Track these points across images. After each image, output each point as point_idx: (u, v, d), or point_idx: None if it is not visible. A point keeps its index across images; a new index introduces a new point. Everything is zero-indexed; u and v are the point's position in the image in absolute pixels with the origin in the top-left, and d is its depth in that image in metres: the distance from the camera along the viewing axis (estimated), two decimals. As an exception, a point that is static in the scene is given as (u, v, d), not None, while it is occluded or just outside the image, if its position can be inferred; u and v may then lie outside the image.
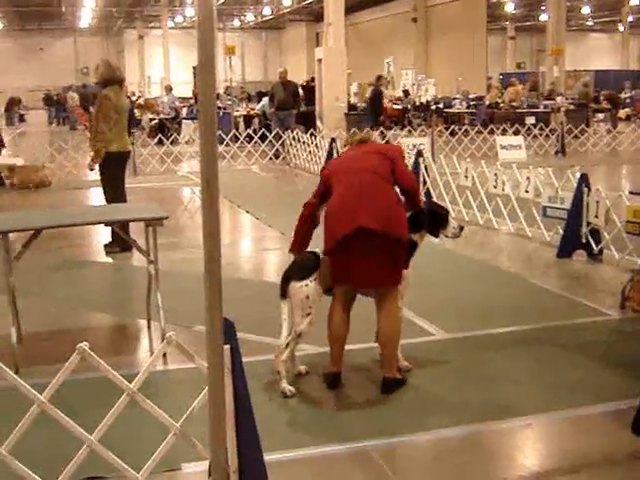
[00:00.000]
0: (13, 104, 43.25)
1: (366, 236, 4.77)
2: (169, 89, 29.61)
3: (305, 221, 5.17)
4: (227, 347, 3.09)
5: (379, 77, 23.80)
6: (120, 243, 8.97)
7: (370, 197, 4.87)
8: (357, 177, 4.93)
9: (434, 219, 5.44)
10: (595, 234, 8.56)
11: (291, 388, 5.00)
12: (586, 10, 47.84)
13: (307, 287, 4.98)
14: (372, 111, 22.84)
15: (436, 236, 5.54)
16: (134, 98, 35.21)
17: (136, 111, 28.67)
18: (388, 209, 4.91)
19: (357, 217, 4.78)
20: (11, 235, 5.49)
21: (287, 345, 5.03)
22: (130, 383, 3.28)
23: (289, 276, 5.05)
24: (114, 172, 9.35)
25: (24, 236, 5.78)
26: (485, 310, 6.86)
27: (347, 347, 5.17)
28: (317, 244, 5.13)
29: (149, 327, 6.43)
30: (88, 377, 4.40)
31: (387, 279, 4.98)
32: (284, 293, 5.06)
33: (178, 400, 4.12)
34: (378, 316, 5.06)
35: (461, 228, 5.63)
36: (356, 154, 5.17)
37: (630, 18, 49.87)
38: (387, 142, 16.49)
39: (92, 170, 9.50)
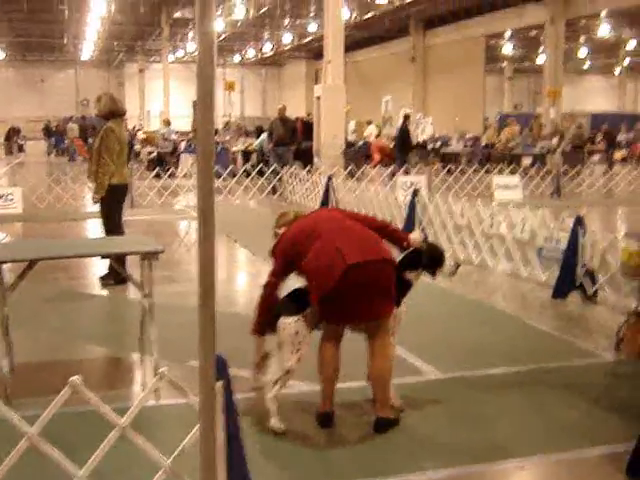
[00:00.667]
0: (13, 134, 43.44)
1: (356, 272, 4.74)
2: (167, 123, 29.75)
3: (267, 301, 5.10)
4: (219, 384, 3.07)
5: (407, 116, 24.61)
6: (115, 275, 8.95)
7: (348, 235, 4.92)
8: (328, 227, 4.96)
9: (431, 257, 5.42)
10: (590, 276, 8.56)
11: (281, 425, 4.96)
12: (583, 52, 48.31)
13: (296, 323, 4.95)
14: (400, 149, 23.84)
15: (434, 275, 5.50)
16: (136, 131, 35.32)
17: (136, 144, 28.77)
18: (368, 238, 4.98)
19: (344, 255, 4.75)
20: (5, 265, 5.49)
21: (276, 382, 5.00)
22: (122, 417, 3.26)
23: (279, 312, 5.03)
24: (113, 204, 9.36)
25: (19, 267, 5.77)
26: (479, 350, 6.84)
27: (340, 385, 5.14)
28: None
29: (142, 361, 6.39)
30: (80, 410, 4.36)
31: (379, 311, 4.95)
32: (273, 329, 5.05)
33: (170, 436, 4.08)
34: (369, 355, 5.02)
35: (457, 265, 5.61)
36: (307, 222, 5.15)
37: (626, 61, 50.35)
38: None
39: (96, 202, 9.47)
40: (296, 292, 5.11)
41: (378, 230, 5.20)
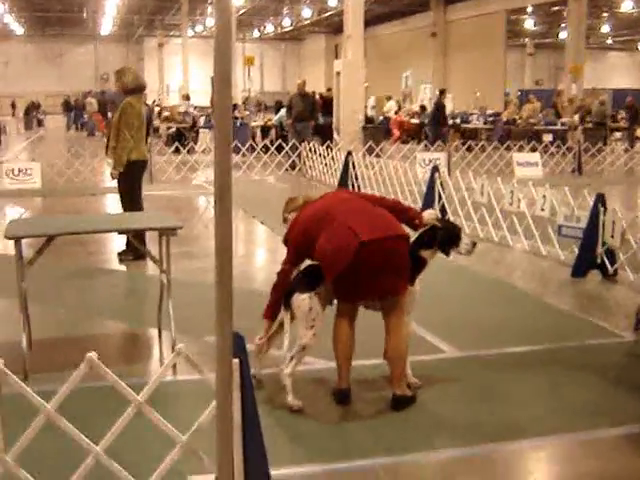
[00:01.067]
0: (32, 109, 43.57)
1: (369, 249, 4.72)
2: (186, 97, 29.72)
3: (281, 288, 5.10)
4: (236, 361, 3.06)
5: (442, 91, 24.51)
6: (134, 251, 8.98)
7: (360, 214, 4.92)
8: (339, 210, 4.95)
9: (446, 236, 5.37)
10: (610, 254, 8.50)
11: (298, 402, 4.97)
12: (606, 28, 47.79)
13: (311, 299, 4.94)
14: (434, 124, 24.15)
15: (447, 254, 5.44)
16: (155, 106, 35.31)
17: (156, 120, 28.76)
18: (381, 215, 4.97)
19: (357, 233, 4.74)
20: (24, 241, 5.50)
21: (292, 358, 5.00)
22: (138, 393, 3.26)
23: (292, 288, 5.03)
24: (132, 180, 9.36)
25: (38, 242, 5.78)
26: (498, 329, 6.81)
27: (357, 362, 5.14)
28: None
29: (160, 337, 6.41)
30: (97, 386, 4.37)
31: (393, 288, 4.93)
32: (287, 305, 5.05)
33: (186, 412, 4.09)
34: (386, 332, 5.01)
35: (474, 244, 5.54)
36: (317, 207, 5.12)
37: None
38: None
39: (114, 178, 9.45)
40: (309, 268, 5.11)
41: (389, 209, 5.17)
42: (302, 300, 4.95)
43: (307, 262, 5.16)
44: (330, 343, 5.05)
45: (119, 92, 9.41)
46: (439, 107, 24.56)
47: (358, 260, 4.71)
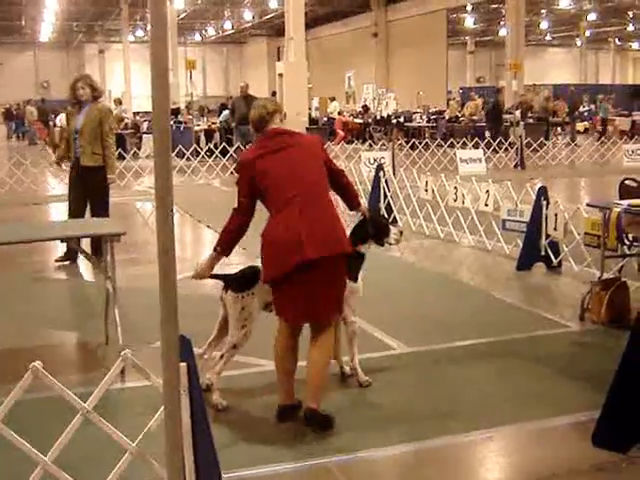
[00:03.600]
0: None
1: (313, 265, 4.51)
2: (119, 102, 29.51)
3: (235, 221, 4.76)
4: (184, 364, 3.04)
5: (499, 90, 26.35)
6: (72, 255, 9.04)
7: (317, 215, 4.62)
8: (299, 187, 4.60)
9: (377, 227, 5.44)
10: (554, 246, 8.62)
11: (222, 401, 4.95)
12: (544, 25, 48.47)
13: (244, 299, 4.92)
14: (494, 120, 24.77)
15: (382, 245, 5.51)
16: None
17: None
18: (333, 228, 4.68)
19: (304, 247, 4.47)
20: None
21: (221, 357, 4.97)
22: (86, 402, 3.22)
23: (227, 285, 5.00)
24: (107, 185, 9.48)
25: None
26: (446, 323, 6.86)
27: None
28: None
29: (107, 344, 6.33)
30: (43, 396, 4.32)
31: (335, 310, 4.80)
32: (221, 299, 5.04)
33: (135, 419, 4.06)
34: (310, 347, 4.74)
35: (401, 233, 5.62)
36: (285, 150, 4.71)
37: (587, 33, 50.57)
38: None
39: (112, 183, 9.63)
40: (250, 269, 5.07)
41: (342, 188, 5.12)
42: (235, 298, 4.92)
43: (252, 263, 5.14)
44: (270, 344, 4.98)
45: (88, 99, 9.26)
46: (496, 105, 25.31)
47: (297, 274, 4.52)
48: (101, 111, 9.26)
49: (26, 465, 3.26)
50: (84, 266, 9.15)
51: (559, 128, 29.19)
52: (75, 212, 9.42)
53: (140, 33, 51.19)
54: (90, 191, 9.38)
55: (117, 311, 5.84)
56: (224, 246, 4.84)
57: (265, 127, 4.82)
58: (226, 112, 23.78)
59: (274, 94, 25.54)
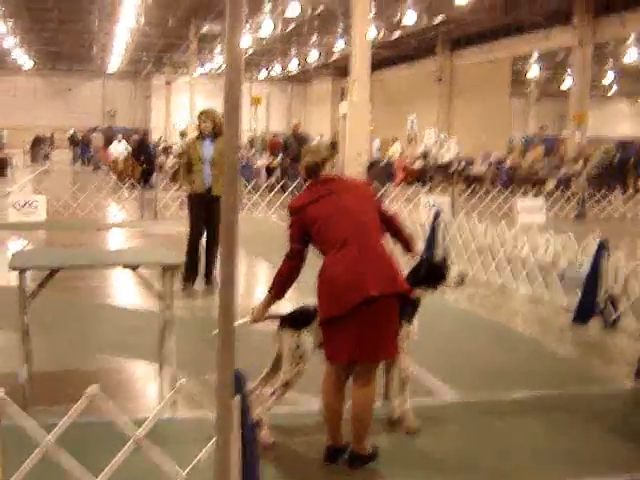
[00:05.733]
0: (39, 142, 43.77)
1: (372, 303, 4.50)
2: (183, 134, 29.99)
3: (287, 265, 4.84)
4: (236, 399, 3.07)
5: (624, 145, 26.28)
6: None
7: (374, 255, 4.62)
8: (354, 228, 4.63)
9: (433, 272, 5.42)
10: (612, 301, 8.49)
11: (270, 438, 4.95)
12: (610, 77, 48.09)
13: (299, 337, 4.93)
14: (618, 174, 24.68)
15: (435, 288, 5.45)
16: (162, 142, 35.54)
17: (160, 156, 28.95)
18: (391, 267, 4.68)
19: (367, 284, 4.49)
20: (28, 274, 5.51)
21: (273, 393, 4.97)
22: (138, 429, 3.26)
23: (283, 322, 5.02)
24: None
25: (41, 275, 5.79)
26: (497, 373, 6.79)
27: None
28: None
29: (161, 373, 6.39)
30: (97, 420, 4.36)
31: (391, 350, 4.78)
32: (277, 337, 5.05)
33: (185, 449, 4.07)
34: (354, 388, 4.72)
35: (462, 277, 5.55)
36: (337, 194, 4.76)
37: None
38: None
39: None
40: (305, 307, 5.09)
41: (391, 225, 5.12)
42: (290, 336, 4.94)
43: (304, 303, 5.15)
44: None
45: (209, 132, 9.77)
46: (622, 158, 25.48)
47: (358, 312, 4.50)
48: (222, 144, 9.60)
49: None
50: (139, 294, 9.23)
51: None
52: (197, 237, 9.96)
53: (207, 67, 52.03)
54: (216, 219, 9.52)
55: (173, 341, 5.89)
56: (278, 289, 4.92)
57: (317, 174, 4.88)
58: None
59: (333, 145, 25.75)
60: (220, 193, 9.70)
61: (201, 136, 9.84)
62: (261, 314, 5.00)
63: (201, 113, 9.95)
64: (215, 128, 9.68)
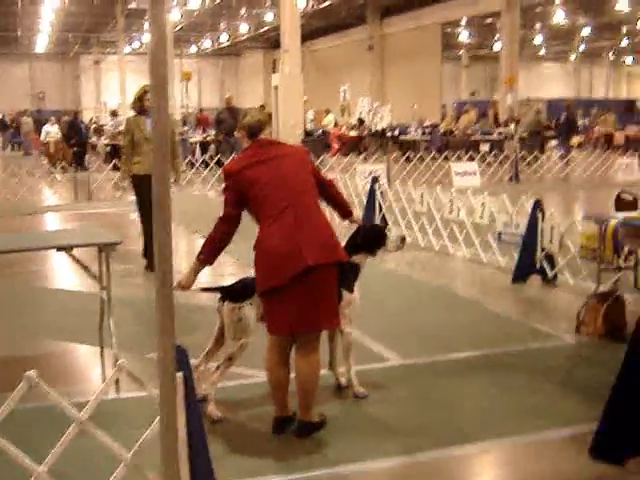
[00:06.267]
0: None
1: (310, 273, 4.45)
2: (114, 114, 29.58)
3: (219, 230, 4.72)
4: (180, 375, 3.03)
5: (569, 105, 27.00)
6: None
7: (311, 224, 4.57)
8: (290, 197, 4.56)
9: (371, 237, 5.42)
10: (550, 259, 8.62)
11: (217, 413, 4.93)
12: (539, 39, 48.65)
13: (240, 310, 4.88)
14: (566, 133, 25.80)
15: (374, 255, 5.45)
16: (92, 124, 34.99)
17: (92, 137, 28.50)
18: (328, 236, 4.65)
19: (303, 255, 4.44)
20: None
21: (217, 367, 4.95)
22: (80, 412, 3.20)
23: (224, 296, 4.97)
24: None
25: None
26: (441, 335, 6.85)
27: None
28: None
29: (102, 354, 6.31)
30: (38, 405, 4.30)
31: (332, 319, 4.74)
32: (219, 311, 5.01)
33: (130, 429, 4.03)
34: (297, 358, 4.69)
35: (402, 239, 5.59)
36: (275, 160, 4.68)
37: (581, 47, 50.84)
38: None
39: None
40: (246, 280, 5.04)
41: (327, 191, 5.06)
42: (232, 309, 4.89)
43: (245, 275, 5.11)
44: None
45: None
46: (570, 117, 26.20)
47: (296, 283, 4.45)
48: (172, 122, 9.28)
49: (20, 475, 3.23)
50: (79, 276, 9.11)
51: (553, 142, 29.21)
52: (150, 219, 9.41)
53: (136, 44, 51.27)
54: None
55: (112, 321, 5.82)
56: (208, 254, 4.77)
57: (259, 134, 4.80)
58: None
59: (262, 107, 25.60)
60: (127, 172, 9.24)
61: (145, 113, 9.20)
62: (189, 280, 4.79)
63: (146, 91, 9.13)
64: None
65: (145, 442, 3.25)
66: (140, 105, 9.35)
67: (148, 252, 9.54)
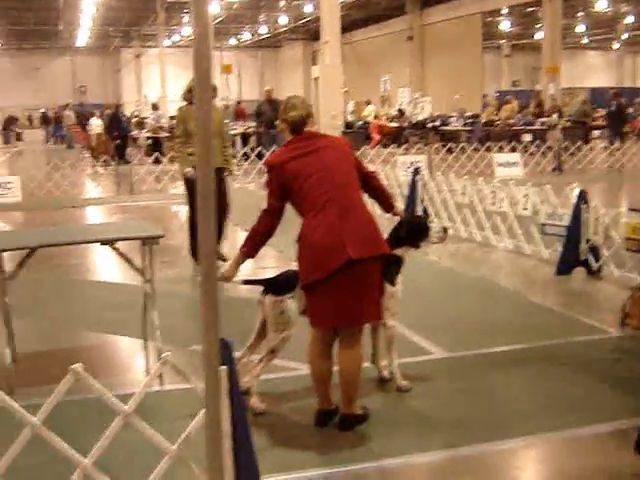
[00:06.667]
0: (10, 123, 43.32)
1: (353, 266, 4.44)
2: (155, 107, 29.73)
3: (263, 222, 4.74)
4: (224, 368, 3.03)
5: (618, 93, 26.03)
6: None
7: (354, 216, 4.56)
8: (334, 189, 4.55)
9: (414, 229, 5.40)
10: (594, 251, 8.52)
11: (260, 405, 4.95)
12: (581, 28, 48.06)
13: (282, 303, 4.88)
14: (616, 124, 24.84)
15: (417, 247, 5.43)
16: (134, 118, 35.23)
17: (133, 130, 28.71)
18: (372, 229, 4.62)
19: (346, 248, 4.42)
20: (5, 254, 5.44)
21: (260, 360, 4.96)
22: (125, 404, 3.22)
23: (266, 289, 4.97)
24: None
25: (19, 255, 5.71)
26: (484, 328, 6.80)
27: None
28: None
29: (145, 347, 6.36)
30: (83, 398, 4.34)
31: (375, 313, 4.74)
32: (260, 303, 5.01)
33: (175, 422, 4.06)
34: (340, 351, 4.69)
35: (445, 230, 5.58)
36: (318, 152, 4.67)
37: (624, 36, 50.12)
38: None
39: None
40: (288, 273, 5.04)
41: (369, 183, 5.02)
42: (274, 302, 4.89)
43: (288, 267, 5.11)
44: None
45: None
46: (620, 107, 25.38)
47: (339, 276, 4.44)
48: (219, 112, 9.20)
49: (66, 467, 3.26)
50: (122, 269, 9.19)
51: (597, 132, 28.85)
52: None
53: (176, 38, 51.54)
54: (220, 191, 9.11)
55: (156, 314, 5.85)
56: (250, 247, 4.82)
57: (301, 129, 4.79)
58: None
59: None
60: (222, 164, 9.15)
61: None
62: (232, 272, 4.83)
63: None
64: (214, 92, 9.03)
65: (189, 434, 3.26)
66: (192, 95, 9.18)
67: (195, 252, 9.26)
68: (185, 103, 9.48)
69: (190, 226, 9.58)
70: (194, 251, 9.35)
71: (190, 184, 9.21)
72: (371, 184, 5.06)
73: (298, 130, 4.78)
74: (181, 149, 9.36)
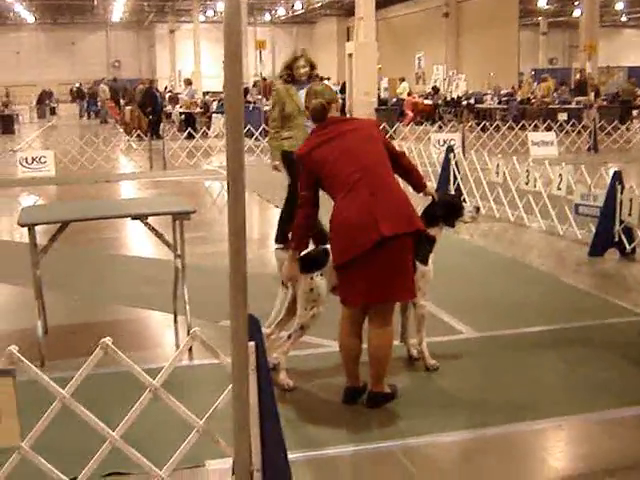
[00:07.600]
0: (45, 97, 43.61)
1: (387, 244, 4.43)
2: (188, 82, 29.73)
3: (304, 215, 4.78)
4: (252, 344, 3.03)
5: None
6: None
7: (386, 194, 4.54)
8: (362, 170, 4.55)
9: (448, 208, 5.37)
10: (628, 232, 8.42)
11: (289, 381, 4.97)
12: (620, 6, 47.33)
13: (312, 280, 4.89)
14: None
15: (453, 225, 5.45)
16: (167, 92, 35.28)
17: (168, 106, 28.76)
18: (405, 206, 4.60)
19: (379, 225, 4.41)
20: (38, 228, 5.48)
21: (289, 337, 4.98)
22: (154, 378, 3.24)
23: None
24: None
25: (52, 229, 5.76)
26: (515, 308, 6.76)
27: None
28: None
29: (175, 322, 6.39)
30: (112, 371, 4.37)
31: (408, 290, 4.72)
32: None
33: (202, 396, 4.07)
34: (370, 329, 4.70)
35: (477, 209, 5.61)
36: (340, 137, 4.68)
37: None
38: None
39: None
40: (319, 250, 5.07)
41: (405, 169, 5.04)
42: (303, 280, 4.90)
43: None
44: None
45: (306, 78, 8.52)
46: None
47: (372, 254, 4.44)
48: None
49: (94, 440, 3.29)
50: (154, 244, 9.24)
51: (635, 111, 28.46)
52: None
53: (210, 13, 51.50)
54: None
55: (186, 289, 5.88)
56: (298, 242, 4.88)
57: (324, 116, 4.80)
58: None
59: (343, 87, 25.34)
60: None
61: (296, 82, 8.50)
62: (293, 269, 4.90)
63: (296, 58, 8.55)
64: (312, 70, 8.61)
65: (217, 409, 3.27)
66: (290, 73, 8.58)
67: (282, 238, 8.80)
68: (280, 82, 8.88)
69: (288, 207, 8.76)
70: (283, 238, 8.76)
71: (290, 165, 8.40)
72: (400, 162, 5.02)
73: (320, 117, 4.81)
74: (275, 135, 8.68)
